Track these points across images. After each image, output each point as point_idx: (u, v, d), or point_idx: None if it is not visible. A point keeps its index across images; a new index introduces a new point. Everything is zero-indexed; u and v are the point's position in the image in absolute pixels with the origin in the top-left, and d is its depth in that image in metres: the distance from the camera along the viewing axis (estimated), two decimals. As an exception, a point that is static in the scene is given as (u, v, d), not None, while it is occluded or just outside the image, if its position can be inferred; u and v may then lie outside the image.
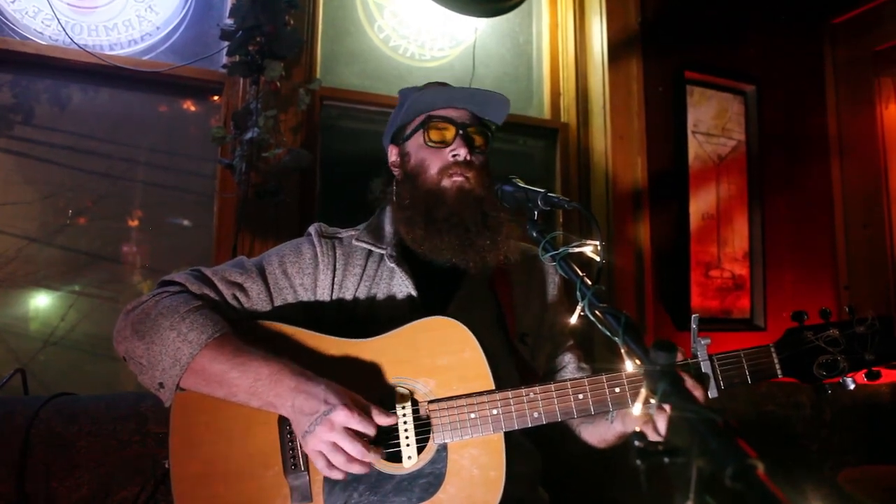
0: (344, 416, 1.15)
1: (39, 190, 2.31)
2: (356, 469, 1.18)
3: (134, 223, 2.43)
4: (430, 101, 1.53)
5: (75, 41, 2.30)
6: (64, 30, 2.30)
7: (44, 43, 2.31)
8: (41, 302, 2.28)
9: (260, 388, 1.20)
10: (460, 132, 1.51)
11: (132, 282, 2.41)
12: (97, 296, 2.33)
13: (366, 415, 1.18)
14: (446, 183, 1.48)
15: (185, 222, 2.51)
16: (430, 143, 1.52)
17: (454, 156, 1.49)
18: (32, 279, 2.27)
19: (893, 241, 3.31)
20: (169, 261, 2.45)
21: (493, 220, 1.47)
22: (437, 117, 1.52)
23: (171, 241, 2.48)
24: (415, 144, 1.55)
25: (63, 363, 2.26)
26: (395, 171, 1.62)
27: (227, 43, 2.27)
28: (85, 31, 2.38)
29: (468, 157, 1.49)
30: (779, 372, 1.33)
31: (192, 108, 2.57)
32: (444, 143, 1.51)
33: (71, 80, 2.37)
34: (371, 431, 1.17)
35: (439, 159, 1.50)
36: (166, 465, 1.25)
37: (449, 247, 1.44)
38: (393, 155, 1.63)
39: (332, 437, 1.15)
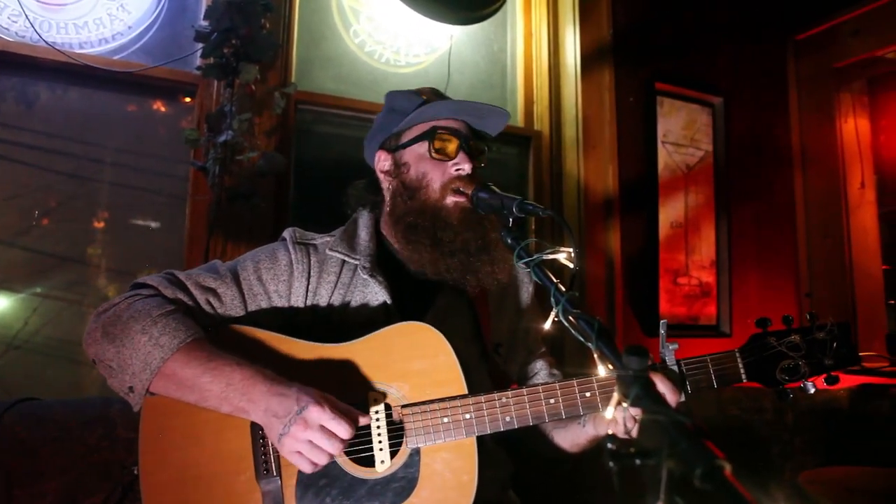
0: (317, 413, 1.15)
1: (3, 190, 2.25)
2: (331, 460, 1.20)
3: (101, 225, 2.39)
4: (434, 110, 1.49)
5: (44, 38, 2.26)
6: (32, 26, 2.26)
7: (10, 39, 2.26)
8: (3, 305, 2.22)
9: (231, 393, 1.19)
10: (463, 145, 1.48)
11: (99, 285, 2.36)
12: (62, 299, 2.28)
13: (339, 412, 1.18)
14: (449, 201, 1.45)
15: (155, 224, 2.47)
16: (434, 155, 1.48)
17: (458, 170, 1.46)
18: (-6, 281, 2.21)
19: (852, 250, 3.43)
20: (138, 264, 2.41)
21: (492, 240, 1.45)
22: (444, 128, 1.49)
23: (140, 243, 2.44)
24: (414, 154, 1.51)
25: (26, 367, 2.20)
26: (387, 180, 1.57)
27: (201, 45, 2.25)
28: (54, 28, 2.33)
29: (471, 172, 1.47)
30: (743, 376, 1.37)
31: (164, 110, 2.53)
32: (448, 156, 1.47)
33: (39, 78, 2.32)
34: (342, 430, 1.16)
35: (441, 173, 1.47)
36: (135, 472, 1.23)
37: (452, 270, 1.44)
38: (384, 162, 1.57)
39: (307, 435, 1.15)
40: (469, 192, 1.43)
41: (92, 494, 1.58)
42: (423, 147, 1.49)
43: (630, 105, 3.14)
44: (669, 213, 3.22)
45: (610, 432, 1.28)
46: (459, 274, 1.45)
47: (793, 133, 3.64)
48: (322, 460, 1.17)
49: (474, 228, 1.44)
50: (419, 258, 1.46)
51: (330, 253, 1.48)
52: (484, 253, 1.45)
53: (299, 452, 1.17)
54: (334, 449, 1.16)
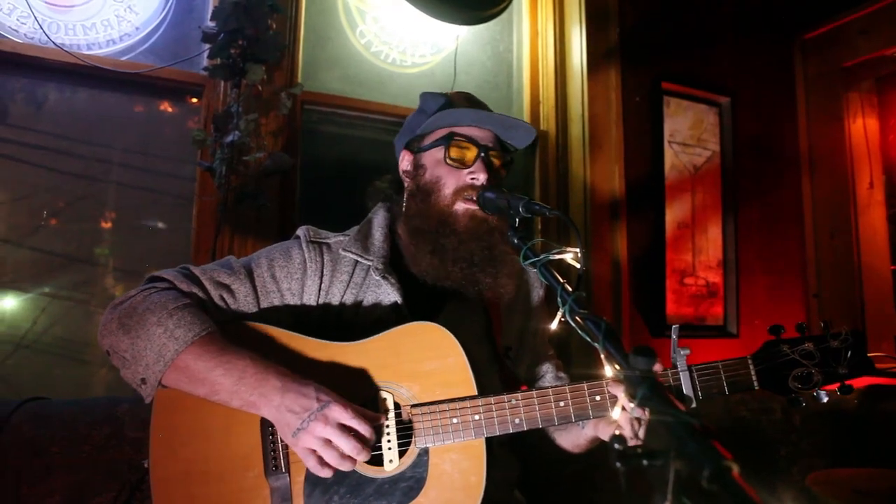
0: (339, 412, 1.17)
1: (11, 191, 2.26)
2: (346, 466, 1.19)
3: (109, 225, 2.40)
4: (456, 116, 1.48)
5: (52, 40, 2.27)
6: (41, 27, 2.27)
7: (19, 41, 2.27)
8: (11, 304, 2.24)
9: (243, 387, 1.20)
10: (482, 154, 1.46)
11: (106, 285, 2.37)
12: (70, 298, 2.29)
13: (359, 413, 1.19)
14: (459, 207, 1.44)
15: (163, 225, 2.48)
16: (449, 162, 1.47)
17: (472, 178, 1.45)
18: (3, 282, 2.22)
19: (860, 251, 3.41)
20: (145, 264, 2.42)
21: (499, 253, 1.43)
22: (461, 135, 1.47)
23: (147, 243, 2.45)
24: (432, 158, 1.50)
25: (34, 367, 2.21)
26: (406, 180, 1.58)
27: (208, 45, 2.26)
28: (62, 29, 2.35)
29: (486, 183, 1.44)
30: (755, 384, 1.34)
31: (171, 110, 2.54)
32: (464, 164, 1.46)
33: (47, 79, 2.33)
34: (364, 429, 1.18)
35: (456, 179, 1.46)
36: (145, 465, 1.24)
37: (451, 278, 1.43)
38: (406, 162, 1.58)
39: (326, 432, 1.16)
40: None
41: (99, 493, 1.59)
42: (440, 152, 1.49)
43: (636, 105, 3.13)
44: (676, 213, 3.21)
45: (617, 433, 1.28)
46: (459, 283, 1.44)
47: (801, 133, 3.61)
48: (333, 461, 1.17)
49: (481, 238, 1.43)
50: (420, 262, 1.46)
51: (343, 253, 1.48)
52: (489, 265, 1.43)
53: (313, 450, 1.17)
54: (351, 448, 1.17)
